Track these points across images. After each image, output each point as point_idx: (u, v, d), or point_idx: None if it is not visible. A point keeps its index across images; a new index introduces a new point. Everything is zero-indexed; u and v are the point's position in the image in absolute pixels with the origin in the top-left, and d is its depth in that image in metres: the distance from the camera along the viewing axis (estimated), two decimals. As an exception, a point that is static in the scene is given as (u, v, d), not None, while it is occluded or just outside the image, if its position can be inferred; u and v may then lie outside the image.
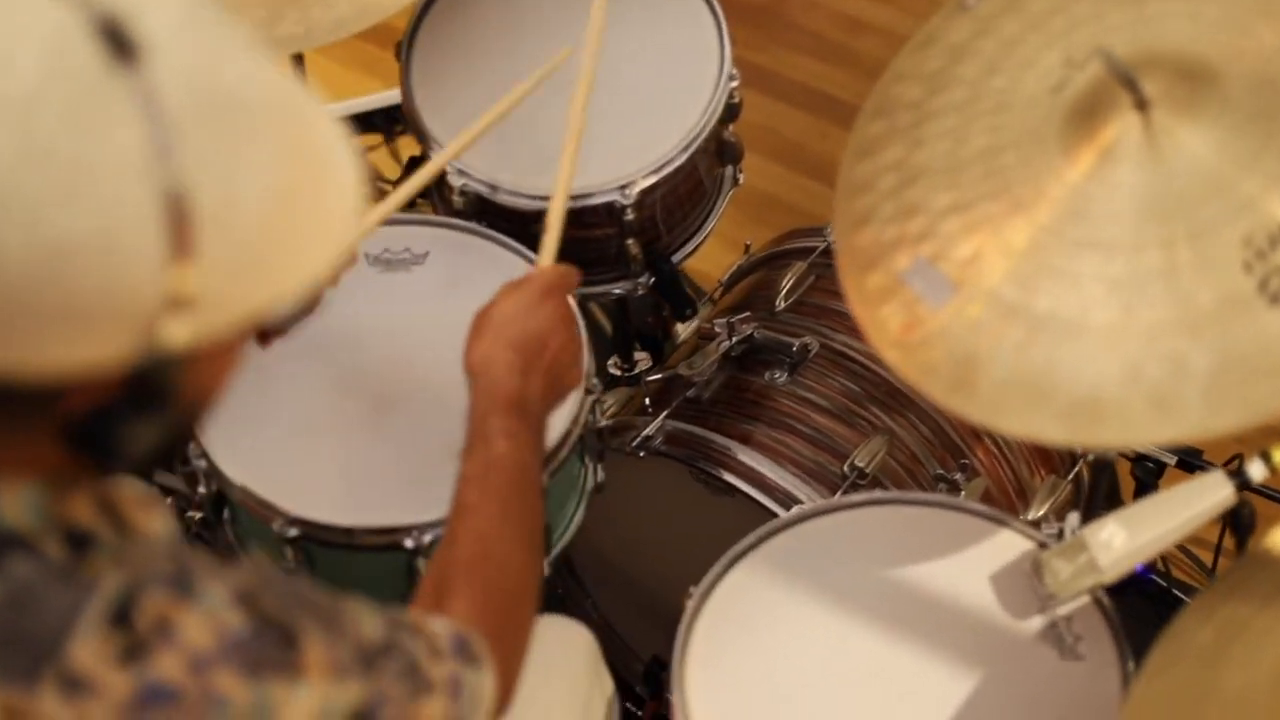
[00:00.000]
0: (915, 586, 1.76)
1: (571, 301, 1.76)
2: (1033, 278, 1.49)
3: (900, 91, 1.66)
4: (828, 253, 2.28)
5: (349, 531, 1.81)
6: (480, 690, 1.32)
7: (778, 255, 2.38)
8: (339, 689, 1.12)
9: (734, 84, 2.07)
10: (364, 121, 3.04)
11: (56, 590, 1.04)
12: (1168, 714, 1.37)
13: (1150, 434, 1.70)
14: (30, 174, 0.93)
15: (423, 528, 1.80)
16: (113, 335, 0.99)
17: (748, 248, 2.47)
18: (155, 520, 1.12)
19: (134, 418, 1.04)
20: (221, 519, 1.97)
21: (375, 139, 2.96)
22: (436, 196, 2.14)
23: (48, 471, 1.05)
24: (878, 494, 1.85)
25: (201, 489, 1.91)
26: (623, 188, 2.00)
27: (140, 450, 1.05)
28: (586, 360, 1.90)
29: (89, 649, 1.03)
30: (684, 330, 2.42)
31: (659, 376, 2.27)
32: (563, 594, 2.42)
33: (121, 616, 1.04)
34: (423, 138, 2.07)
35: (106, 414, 1.03)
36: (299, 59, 2.31)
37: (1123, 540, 1.67)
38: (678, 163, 2.03)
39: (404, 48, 2.12)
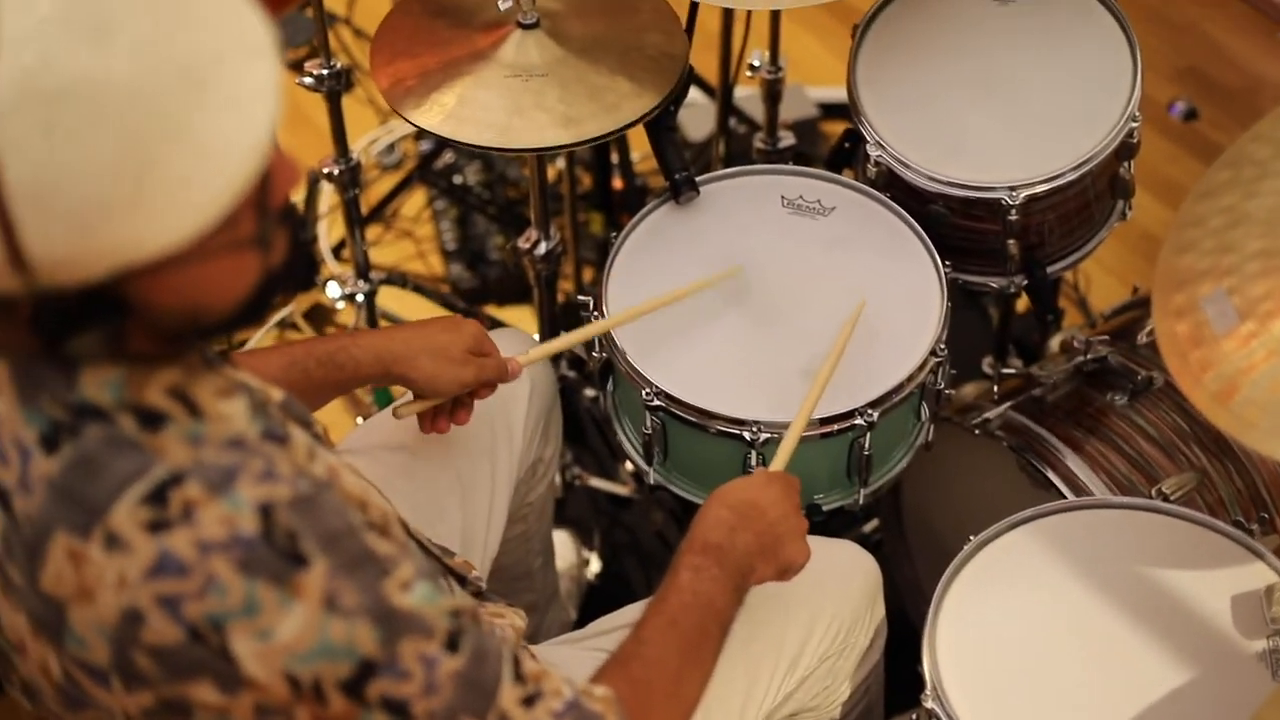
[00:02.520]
0: (1163, 585, 1.98)
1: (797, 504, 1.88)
2: (1308, 325, 1.70)
3: (1254, 149, 1.87)
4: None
5: (701, 411, 2.12)
6: None
7: (1155, 299, 2.58)
8: (335, 623, 1.29)
9: (1135, 124, 2.29)
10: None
11: (119, 459, 1.28)
12: None
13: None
14: None
15: (763, 425, 2.09)
16: None
17: (1135, 289, 2.68)
18: (230, 408, 1.34)
19: (69, 325, 1.24)
20: (605, 387, 2.32)
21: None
22: (859, 165, 2.43)
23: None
24: (1158, 503, 2.07)
25: (595, 353, 2.25)
26: (1011, 189, 2.25)
27: (91, 345, 1.26)
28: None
29: (128, 514, 1.27)
30: (1054, 344, 2.66)
31: (1013, 373, 2.51)
32: (886, 548, 2.68)
33: (159, 496, 1.27)
34: (856, 114, 2.36)
35: (44, 322, 1.24)
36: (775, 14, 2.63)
37: (1350, 588, 1.85)
38: (1065, 179, 2.26)
39: (859, 30, 2.42)
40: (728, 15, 2.73)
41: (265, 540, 1.28)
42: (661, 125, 2.30)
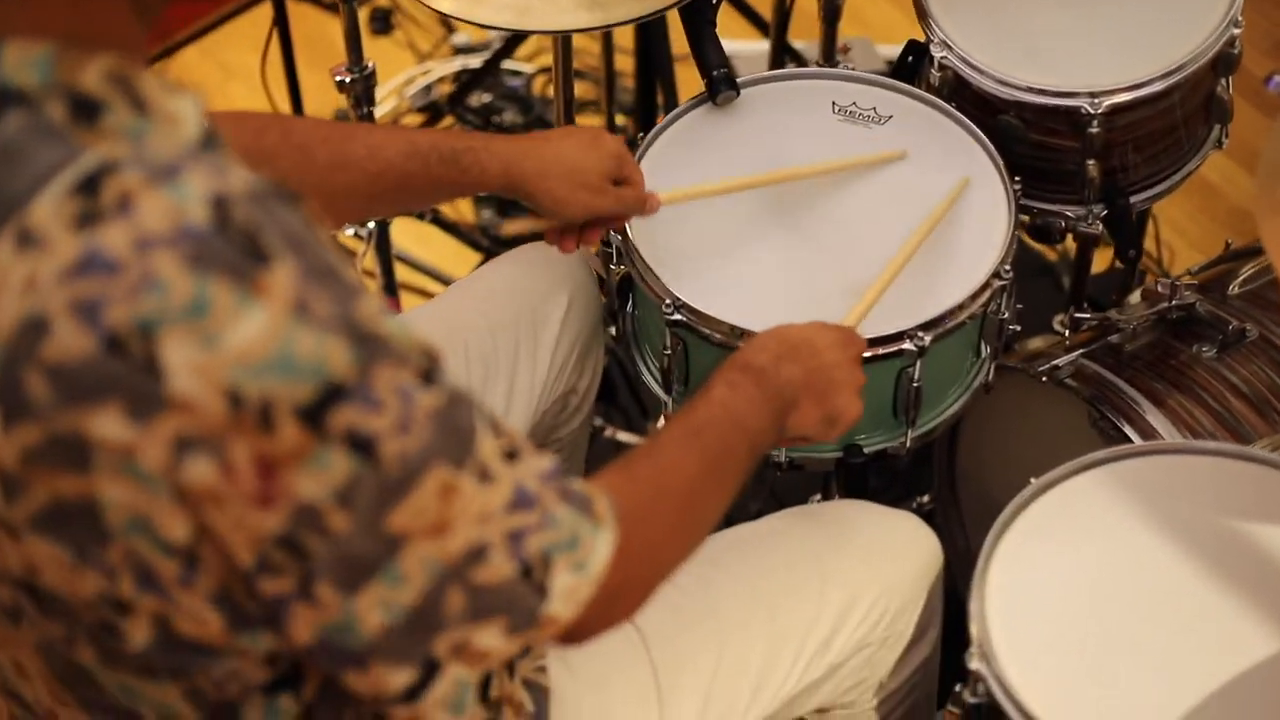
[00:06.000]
0: (1250, 542, 1.73)
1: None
2: None
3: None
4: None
5: (726, 328, 1.87)
6: (587, 542, 1.25)
7: (1250, 251, 2.32)
8: (304, 333, 1.08)
9: (1236, 31, 2.02)
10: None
11: (42, 149, 1.09)
12: None
13: None
14: None
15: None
16: None
17: (1228, 245, 2.41)
18: (179, 105, 1.16)
19: None
20: (625, 307, 2.07)
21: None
22: (924, 76, 2.17)
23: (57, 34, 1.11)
24: (1252, 450, 1.80)
25: (614, 266, 2.01)
26: (1093, 97, 1.99)
27: None
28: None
29: (50, 208, 1.07)
30: (1134, 298, 2.39)
31: (1087, 316, 2.24)
32: (938, 517, 2.41)
33: (89, 185, 1.07)
34: (922, 14, 2.11)
35: None
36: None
37: None
38: (1155, 88, 2.00)
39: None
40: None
41: (219, 232, 1.07)
42: (699, 16, 2.06)
